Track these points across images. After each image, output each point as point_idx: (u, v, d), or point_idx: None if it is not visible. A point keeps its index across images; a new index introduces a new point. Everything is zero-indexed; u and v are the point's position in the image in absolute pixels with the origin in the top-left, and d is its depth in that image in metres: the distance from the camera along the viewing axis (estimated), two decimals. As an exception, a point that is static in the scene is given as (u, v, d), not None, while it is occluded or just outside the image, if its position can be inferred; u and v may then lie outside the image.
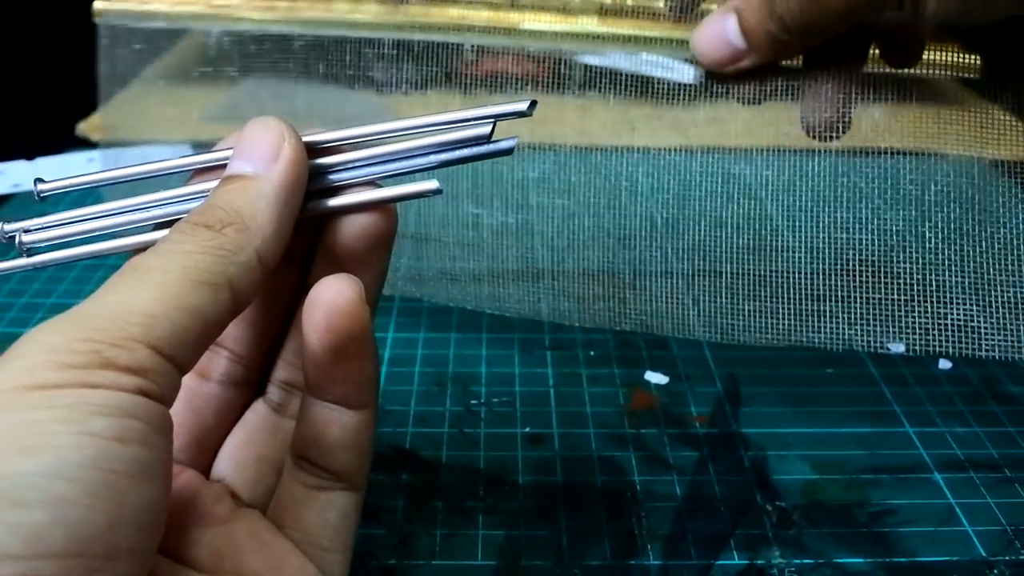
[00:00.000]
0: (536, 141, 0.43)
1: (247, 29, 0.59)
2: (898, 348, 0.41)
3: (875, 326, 0.36)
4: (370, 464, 0.24)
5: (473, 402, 0.38)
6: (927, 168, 0.39)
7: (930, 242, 0.36)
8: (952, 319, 0.35)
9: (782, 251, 0.37)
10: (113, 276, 0.19)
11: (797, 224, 0.37)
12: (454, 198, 0.42)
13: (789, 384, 0.39)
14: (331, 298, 0.21)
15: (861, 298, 0.36)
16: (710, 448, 0.35)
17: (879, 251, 0.38)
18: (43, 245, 0.25)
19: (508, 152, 0.23)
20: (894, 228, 0.40)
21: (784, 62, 0.33)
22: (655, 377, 0.40)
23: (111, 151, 0.58)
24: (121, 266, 0.20)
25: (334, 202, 0.23)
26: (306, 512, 0.24)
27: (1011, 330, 0.34)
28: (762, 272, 0.38)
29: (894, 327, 0.36)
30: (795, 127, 0.33)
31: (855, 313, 0.37)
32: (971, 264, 0.35)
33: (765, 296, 0.37)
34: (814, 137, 0.31)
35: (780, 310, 0.37)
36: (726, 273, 0.38)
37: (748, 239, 0.38)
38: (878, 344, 0.36)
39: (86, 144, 0.63)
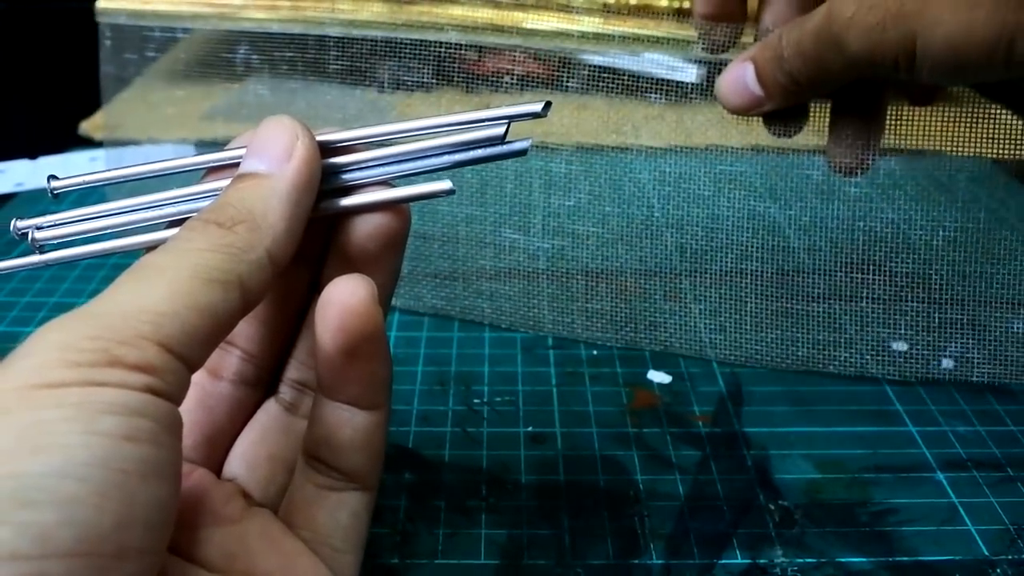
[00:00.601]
0: (537, 140, 0.43)
1: (250, 28, 0.59)
2: (900, 347, 0.41)
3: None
4: (382, 465, 0.24)
5: (476, 401, 0.38)
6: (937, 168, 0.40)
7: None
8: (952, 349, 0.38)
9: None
10: (123, 274, 0.19)
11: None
12: (493, 224, 0.43)
13: (791, 383, 0.39)
14: (344, 298, 0.21)
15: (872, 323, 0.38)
16: (712, 447, 0.35)
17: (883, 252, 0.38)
18: (55, 242, 0.25)
19: (522, 153, 0.23)
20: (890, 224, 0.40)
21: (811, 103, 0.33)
22: (657, 376, 0.40)
23: (114, 150, 0.58)
24: (126, 264, 0.20)
25: (347, 202, 0.23)
26: (318, 512, 0.24)
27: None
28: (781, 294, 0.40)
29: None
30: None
31: (867, 344, 0.39)
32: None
33: (786, 326, 0.39)
34: (839, 174, 0.32)
35: (799, 339, 0.39)
36: (750, 301, 0.40)
37: (770, 268, 0.40)
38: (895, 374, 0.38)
39: (89, 143, 0.63)
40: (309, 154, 0.22)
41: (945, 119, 0.34)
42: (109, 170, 0.25)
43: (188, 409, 0.24)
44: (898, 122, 0.34)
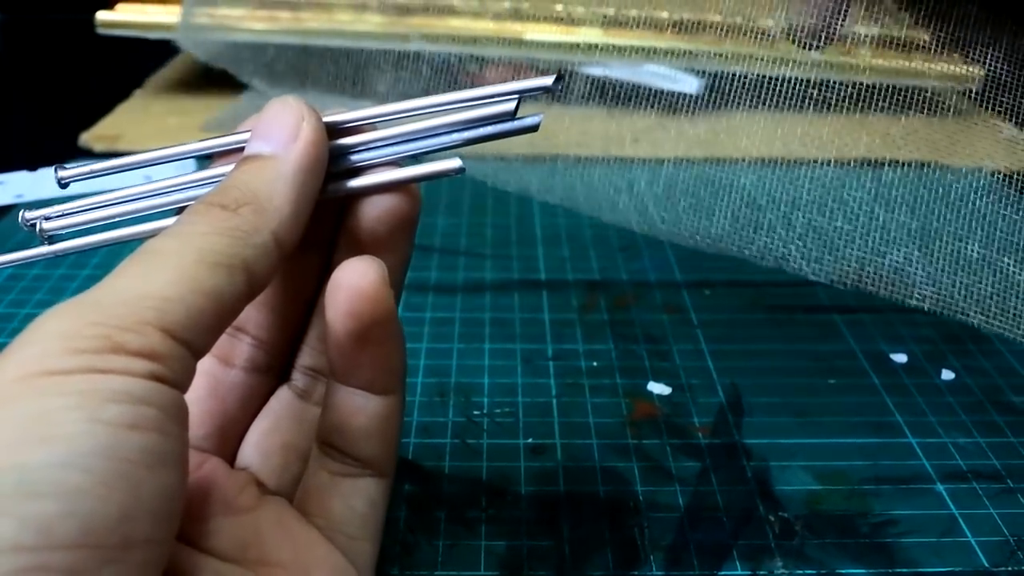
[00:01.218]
0: (536, 152, 0.43)
1: (249, 40, 0.60)
2: (900, 358, 0.41)
3: (811, 250, 0.34)
4: (398, 451, 0.24)
5: (475, 412, 0.38)
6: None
7: (886, 176, 0.35)
8: (890, 260, 0.34)
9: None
10: (126, 259, 0.19)
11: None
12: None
13: (791, 394, 0.39)
14: (354, 281, 0.21)
15: (803, 219, 0.35)
16: (712, 458, 0.35)
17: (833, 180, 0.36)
18: (64, 232, 0.25)
19: (534, 128, 0.22)
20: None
21: None
22: (657, 387, 0.40)
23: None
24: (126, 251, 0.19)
25: (355, 183, 0.23)
26: (332, 500, 0.23)
27: (944, 284, 0.33)
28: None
29: (830, 255, 0.35)
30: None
31: (794, 231, 0.36)
32: (922, 208, 0.34)
33: (704, 195, 0.36)
34: (793, 43, 0.29)
35: (717, 211, 0.36)
36: (667, 161, 0.37)
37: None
38: (809, 270, 0.35)
39: (89, 154, 0.63)
40: (315, 135, 0.22)
41: (947, 130, 0.34)
42: (116, 159, 0.25)
43: (199, 398, 0.24)
44: (904, 133, 0.34)
